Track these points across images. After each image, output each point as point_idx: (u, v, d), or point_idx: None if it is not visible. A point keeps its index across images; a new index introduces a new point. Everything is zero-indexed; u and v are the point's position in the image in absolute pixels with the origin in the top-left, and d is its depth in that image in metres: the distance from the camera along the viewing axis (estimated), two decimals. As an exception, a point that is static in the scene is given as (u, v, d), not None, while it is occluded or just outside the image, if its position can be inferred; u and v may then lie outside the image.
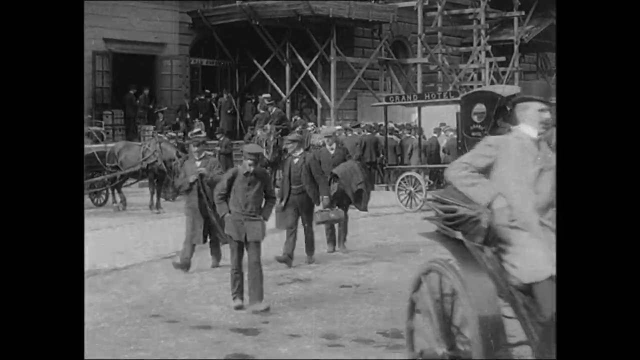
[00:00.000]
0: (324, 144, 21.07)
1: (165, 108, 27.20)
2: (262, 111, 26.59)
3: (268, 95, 27.66)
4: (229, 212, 9.17)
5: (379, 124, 24.38)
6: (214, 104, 30.51)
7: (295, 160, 12.14)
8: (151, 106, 29.10)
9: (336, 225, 12.82)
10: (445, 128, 24.03)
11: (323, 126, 27.26)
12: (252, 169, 9.17)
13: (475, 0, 33.89)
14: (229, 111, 29.60)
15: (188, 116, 29.31)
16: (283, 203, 11.94)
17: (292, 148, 12.37)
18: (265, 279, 10.75)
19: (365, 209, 13.30)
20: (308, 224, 12.10)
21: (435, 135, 23.34)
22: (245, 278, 9.24)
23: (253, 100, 30.47)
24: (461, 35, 35.62)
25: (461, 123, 18.91)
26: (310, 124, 25.63)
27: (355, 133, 21.31)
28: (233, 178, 9.25)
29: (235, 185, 9.20)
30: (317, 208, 12.21)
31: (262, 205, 9.32)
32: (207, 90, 30.52)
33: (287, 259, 11.74)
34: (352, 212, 13.55)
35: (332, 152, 13.20)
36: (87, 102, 26.05)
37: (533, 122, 5.22)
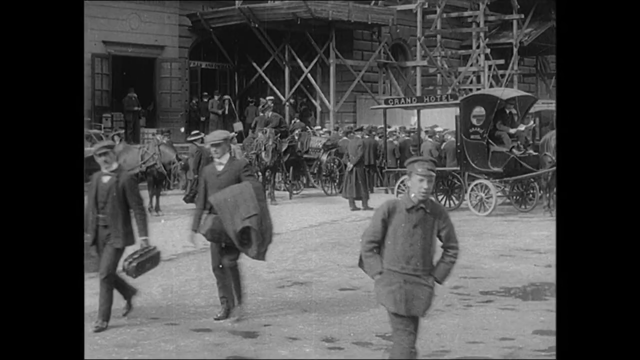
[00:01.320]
0: (301, 150, 20.42)
1: (123, 131, 26.43)
2: (261, 114, 26.61)
3: (272, 97, 27.70)
4: (381, 271, 5.99)
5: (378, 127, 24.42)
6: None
7: (105, 180, 8.36)
8: (149, 109, 29.12)
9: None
10: (444, 132, 24.00)
11: (319, 127, 27.19)
12: (424, 198, 5.88)
13: (474, 3, 33.91)
14: (219, 112, 29.58)
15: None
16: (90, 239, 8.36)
17: (103, 160, 8.39)
18: (264, 281, 10.77)
19: (259, 257, 8.60)
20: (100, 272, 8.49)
21: (429, 138, 23.27)
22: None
23: (255, 103, 30.48)
24: (460, 38, 35.63)
25: (460, 126, 18.90)
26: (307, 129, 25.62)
27: (358, 136, 21.28)
28: (389, 215, 5.95)
29: (393, 227, 5.93)
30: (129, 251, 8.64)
31: (435, 259, 6.07)
32: (206, 93, 30.50)
33: (101, 325, 8.37)
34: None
35: (219, 168, 8.74)
36: (86, 105, 26.01)
37: None
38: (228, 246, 8.62)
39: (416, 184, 5.83)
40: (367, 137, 21.98)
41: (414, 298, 5.89)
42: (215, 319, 8.64)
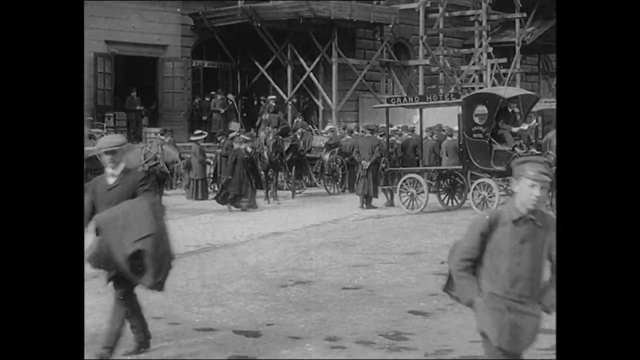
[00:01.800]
0: (298, 150, 20.08)
1: (98, 133, 25.95)
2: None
3: (274, 97, 27.74)
4: (479, 295, 5.00)
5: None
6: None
7: None
8: (151, 108, 29.12)
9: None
10: (448, 131, 23.98)
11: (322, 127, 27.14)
12: (534, 207, 4.83)
13: (476, 2, 33.88)
14: (222, 111, 29.60)
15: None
16: None
17: None
18: (267, 281, 10.78)
19: (156, 287, 7.04)
20: None
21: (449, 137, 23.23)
22: None
23: (265, 102, 30.42)
24: (463, 36, 35.61)
25: (463, 125, 18.89)
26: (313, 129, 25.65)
27: (369, 135, 21.27)
28: (491, 228, 4.95)
29: (495, 243, 4.94)
30: None
31: (543, 283, 4.98)
32: (213, 93, 30.47)
33: None
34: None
35: (111, 181, 7.20)
36: (89, 104, 25.98)
37: None
38: (118, 276, 7.07)
39: (525, 190, 4.76)
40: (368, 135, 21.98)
41: (519, 331, 4.86)
42: (124, 355, 7.35)
